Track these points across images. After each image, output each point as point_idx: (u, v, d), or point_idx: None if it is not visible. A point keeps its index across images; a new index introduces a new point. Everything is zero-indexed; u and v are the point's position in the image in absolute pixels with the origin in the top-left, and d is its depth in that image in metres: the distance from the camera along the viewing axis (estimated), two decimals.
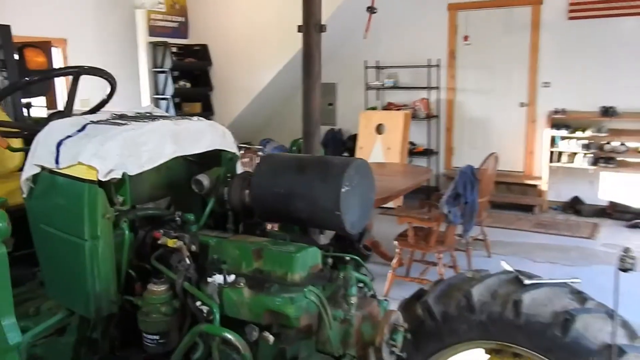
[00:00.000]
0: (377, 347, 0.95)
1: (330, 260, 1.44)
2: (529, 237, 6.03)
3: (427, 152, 7.62)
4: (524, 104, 7.13)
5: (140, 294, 1.44)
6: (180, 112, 7.81)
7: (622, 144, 6.54)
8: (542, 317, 1.78)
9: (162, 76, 7.69)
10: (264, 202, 1.50)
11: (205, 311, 1.31)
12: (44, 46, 7.66)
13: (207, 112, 8.14)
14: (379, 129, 7.25)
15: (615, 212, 6.60)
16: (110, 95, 1.91)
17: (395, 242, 4.43)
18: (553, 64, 6.86)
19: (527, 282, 1.89)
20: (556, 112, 6.78)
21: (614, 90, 6.50)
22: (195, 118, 1.73)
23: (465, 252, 5.02)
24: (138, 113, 1.74)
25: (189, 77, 7.98)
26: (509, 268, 2.04)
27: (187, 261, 1.38)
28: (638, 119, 6.42)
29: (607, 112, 6.44)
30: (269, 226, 1.68)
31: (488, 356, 2.06)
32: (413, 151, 7.63)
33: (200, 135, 1.67)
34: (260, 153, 6.50)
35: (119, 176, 1.44)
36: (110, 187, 1.45)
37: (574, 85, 6.75)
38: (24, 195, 1.57)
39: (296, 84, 8.53)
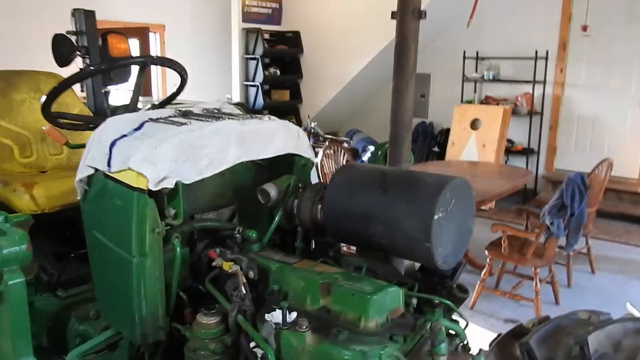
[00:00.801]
0: None
1: (414, 302, 1.17)
2: (639, 254, 5.37)
3: (526, 152, 7.02)
4: None
5: (191, 322, 1.26)
6: (269, 99, 7.76)
7: None
8: None
9: (252, 63, 7.66)
10: (338, 221, 1.26)
11: (259, 355, 1.10)
12: (141, 32, 7.91)
13: (296, 100, 8.05)
14: (474, 124, 6.77)
15: None
16: (180, 88, 1.73)
17: (487, 252, 4.04)
18: None
19: None
20: None
21: None
22: (266, 117, 1.51)
23: (566, 266, 4.53)
24: (205, 110, 1.55)
25: (279, 64, 7.90)
26: (636, 313, 1.67)
27: (243, 290, 1.17)
28: None
29: None
30: (344, 247, 1.44)
31: None
32: (510, 150, 7.06)
33: (270, 138, 1.45)
34: (345, 145, 6.27)
35: (172, 185, 1.26)
36: (163, 197, 1.27)
37: None
38: (78, 197, 1.44)
39: (387, 75, 8.22)
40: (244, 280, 1.18)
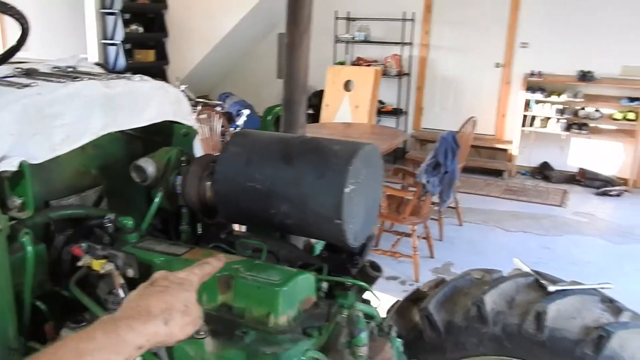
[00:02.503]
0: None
1: (324, 286, 1.03)
2: (499, 204, 5.86)
3: (396, 112, 7.24)
4: (499, 65, 6.80)
5: (53, 339, 1.00)
6: (132, 59, 7.10)
7: (597, 110, 6.35)
8: (569, 332, 1.52)
9: (111, 19, 6.92)
10: (233, 200, 1.07)
11: None
12: None
13: (162, 60, 7.47)
14: (347, 86, 6.79)
15: (584, 179, 6.48)
16: (21, 41, 1.39)
17: None
18: (533, 23, 6.50)
19: (551, 288, 1.58)
20: (532, 74, 6.49)
21: (593, 54, 6.25)
22: (137, 77, 1.25)
23: (438, 221, 4.77)
24: (56, 68, 1.24)
25: (142, 21, 7.23)
26: (524, 268, 1.71)
27: (121, 293, 0.94)
28: (614, 85, 6.22)
29: (585, 76, 6.21)
30: (236, 226, 1.26)
31: None
32: (381, 110, 7.23)
33: (143, 102, 1.20)
34: (219, 108, 5.95)
35: (15, 167, 0.96)
36: (3, 184, 0.98)
37: (552, 47, 6.45)
38: None
39: (260, 34, 7.97)
40: (121, 281, 0.96)
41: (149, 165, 1.16)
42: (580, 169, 6.58)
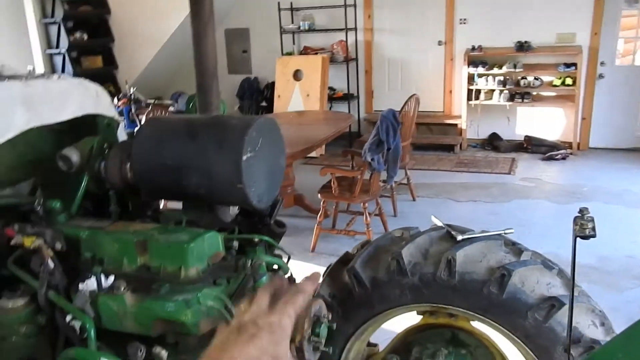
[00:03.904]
0: (297, 347, 0.74)
1: (235, 244, 1.18)
2: (451, 177, 6.08)
3: (347, 97, 7.41)
4: (441, 43, 7.03)
5: None
6: (79, 67, 7.08)
7: (537, 79, 6.63)
8: (477, 274, 1.67)
9: (53, 28, 6.89)
10: (150, 178, 1.21)
11: (78, 327, 1.03)
12: None
13: (111, 65, 7.47)
14: (297, 75, 6.94)
15: (531, 145, 6.77)
16: None
17: (319, 195, 4.25)
18: (469, 0, 6.74)
19: (459, 237, 1.75)
20: (473, 49, 6.73)
21: (528, 25, 6.52)
22: (55, 76, 1.37)
23: (390, 198, 4.96)
24: None
25: (86, 28, 7.20)
26: (439, 223, 1.89)
27: (51, 264, 1.07)
28: (551, 53, 6.51)
29: (522, 47, 6.48)
30: (166, 203, 1.40)
31: (421, 317, 1.94)
32: (333, 96, 7.40)
33: (64, 98, 1.32)
34: (171, 108, 6.02)
35: None
36: None
37: (490, 21, 6.70)
38: None
39: None
40: (51, 254, 1.09)
41: (72, 154, 1.28)
42: (527, 136, 6.87)
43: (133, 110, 5.73)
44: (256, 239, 1.18)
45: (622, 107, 6.51)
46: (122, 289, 0.99)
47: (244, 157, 1.12)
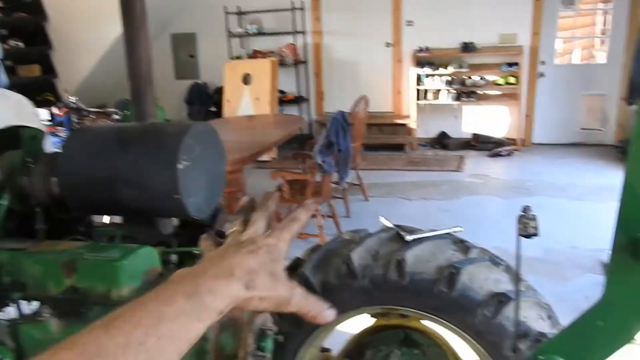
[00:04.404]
0: None
1: (174, 258, 1.12)
2: (402, 176, 6.15)
3: (298, 100, 7.39)
4: (389, 44, 7.11)
5: None
6: (15, 76, 6.77)
7: (482, 78, 6.80)
8: (427, 273, 1.67)
9: None
10: (78, 192, 1.13)
11: None
12: None
13: (49, 74, 7.16)
14: (246, 79, 6.86)
15: (478, 143, 6.93)
16: None
17: None
18: (415, 2, 6.85)
19: (408, 238, 1.75)
20: (420, 50, 6.84)
21: (472, 26, 6.67)
22: None
23: (343, 199, 4.96)
24: None
25: (22, 35, 6.89)
26: (388, 224, 1.88)
27: None
28: (494, 53, 6.69)
29: (467, 47, 6.62)
30: (105, 218, 1.32)
31: (374, 319, 1.92)
32: (283, 100, 7.36)
33: None
34: (116, 116, 5.82)
35: None
36: None
37: (435, 22, 6.82)
38: None
39: (150, 37, 7.79)
40: None
41: None
42: (474, 134, 7.03)
43: (75, 119, 5.51)
44: (196, 251, 1.13)
45: (563, 103, 6.76)
46: (46, 314, 0.91)
47: (180, 166, 1.06)
